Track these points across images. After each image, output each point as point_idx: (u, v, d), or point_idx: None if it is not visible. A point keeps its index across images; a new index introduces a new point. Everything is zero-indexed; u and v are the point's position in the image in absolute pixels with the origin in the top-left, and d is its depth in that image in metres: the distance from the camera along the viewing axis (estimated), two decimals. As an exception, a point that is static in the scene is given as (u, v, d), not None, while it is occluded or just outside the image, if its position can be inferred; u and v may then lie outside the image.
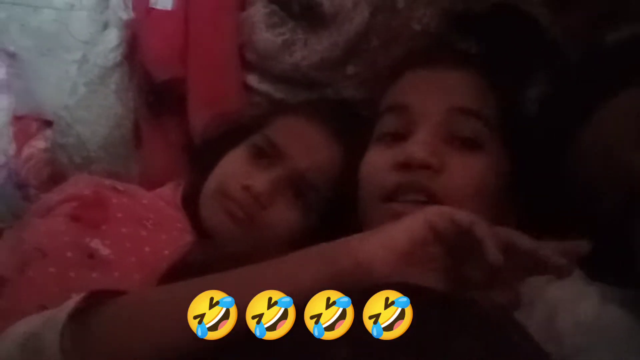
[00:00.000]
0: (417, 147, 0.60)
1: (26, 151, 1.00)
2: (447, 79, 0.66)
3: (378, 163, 0.64)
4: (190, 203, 0.75)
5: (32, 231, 0.70)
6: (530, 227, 0.61)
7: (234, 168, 0.74)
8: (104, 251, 0.67)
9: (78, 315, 0.47)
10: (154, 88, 0.89)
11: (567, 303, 0.49)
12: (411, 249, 0.45)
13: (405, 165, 0.60)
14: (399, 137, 0.64)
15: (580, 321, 0.47)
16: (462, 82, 0.66)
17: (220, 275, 0.47)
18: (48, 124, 1.01)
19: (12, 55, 1.01)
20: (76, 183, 0.77)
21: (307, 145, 0.73)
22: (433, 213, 0.46)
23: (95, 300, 0.49)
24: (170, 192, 0.78)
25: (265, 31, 0.84)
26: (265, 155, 0.73)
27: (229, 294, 0.44)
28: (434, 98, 0.64)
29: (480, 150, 0.63)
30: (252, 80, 0.88)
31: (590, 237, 0.56)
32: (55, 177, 0.94)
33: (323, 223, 0.73)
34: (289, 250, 0.69)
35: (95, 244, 0.67)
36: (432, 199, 0.59)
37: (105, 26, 0.96)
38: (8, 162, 0.99)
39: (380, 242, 0.46)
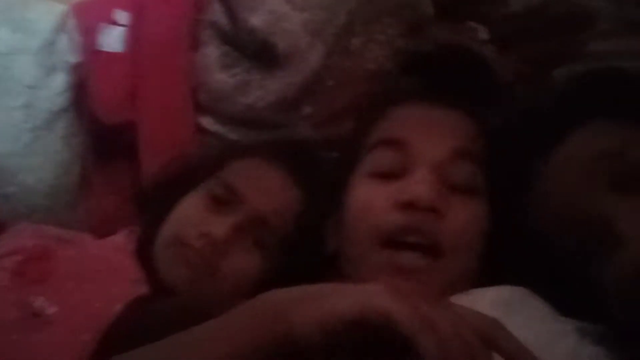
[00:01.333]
0: (424, 187, 0.58)
1: (-36, 202, 0.95)
2: (445, 118, 0.65)
3: (375, 200, 0.61)
4: (144, 252, 0.71)
5: None
6: (494, 270, 0.61)
7: (190, 215, 0.71)
8: (50, 310, 0.62)
9: None
10: (103, 132, 0.86)
11: (543, 340, 0.48)
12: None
13: (409, 206, 0.58)
14: (394, 173, 0.62)
15: (558, 358, 0.46)
16: (459, 123, 0.65)
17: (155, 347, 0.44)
18: (-10, 172, 0.97)
19: (-50, 102, 0.97)
20: (18, 234, 0.73)
21: (266, 188, 0.71)
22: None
23: None
24: (122, 240, 0.75)
25: (220, 72, 0.83)
26: (223, 200, 0.71)
27: None
28: (435, 137, 0.63)
29: (477, 195, 0.62)
30: (206, 122, 0.86)
31: (553, 278, 0.56)
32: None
33: (283, 269, 0.70)
34: (248, 298, 0.67)
35: (40, 302, 0.63)
36: (434, 250, 0.58)
37: (52, 70, 0.93)
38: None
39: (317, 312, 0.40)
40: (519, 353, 0.39)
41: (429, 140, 0.63)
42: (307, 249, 0.69)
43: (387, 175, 0.62)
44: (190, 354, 0.42)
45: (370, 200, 0.62)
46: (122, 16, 0.86)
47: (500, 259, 0.61)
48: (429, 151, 0.62)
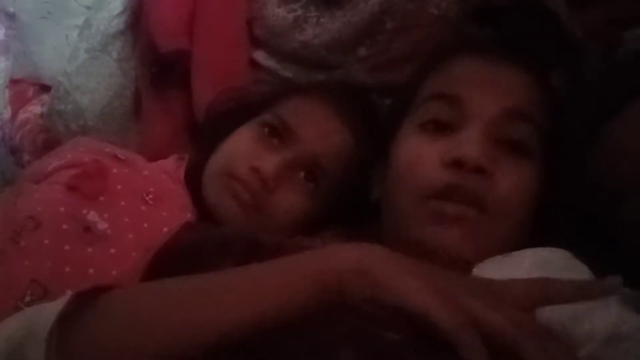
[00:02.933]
0: (473, 147, 0.57)
1: (21, 116, 0.98)
2: (504, 76, 0.63)
3: (423, 155, 0.60)
4: (193, 180, 0.72)
5: (26, 198, 0.66)
6: (551, 234, 0.60)
7: (242, 147, 0.71)
8: (101, 225, 0.64)
9: (64, 322, 0.44)
10: (158, 59, 0.86)
11: (583, 311, 0.47)
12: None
13: (457, 164, 0.57)
14: (445, 128, 0.61)
15: (598, 329, 0.46)
16: (518, 82, 0.63)
17: (204, 281, 0.46)
18: (45, 89, 0.99)
19: (11, 17, 0.98)
20: (75, 147, 0.74)
21: (320, 129, 0.70)
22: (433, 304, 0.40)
23: (81, 301, 0.46)
24: (173, 165, 0.75)
25: (277, 7, 0.82)
26: (276, 135, 0.70)
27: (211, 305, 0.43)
28: (491, 95, 0.61)
29: (529, 157, 0.60)
30: (259, 56, 0.85)
31: (610, 243, 0.55)
32: (51, 144, 0.92)
33: (329, 211, 0.70)
34: (290, 236, 0.68)
35: (93, 216, 0.64)
36: (479, 205, 0.57)
37: (110, -8, 0.93)
38: (2, 126, 0.97)
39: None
40: (579, 291, 0.41)
41: (483, 97, 0.61)
42: (353, 193, 0.69)
43: (438, 130, 0.61)
44: (237, 301, 0.43)
45: (419, 154, 0.61)
46: (184, -57, 0.84)
47: (549, 222, 0.60)
48: (482, 108, 0.60)
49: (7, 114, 0.98)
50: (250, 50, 0.85)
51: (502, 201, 0.57)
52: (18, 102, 0.99)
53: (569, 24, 0.76)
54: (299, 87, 0.79)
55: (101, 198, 0.66)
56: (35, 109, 0.98)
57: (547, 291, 0.42)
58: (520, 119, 0.61)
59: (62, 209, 0.64)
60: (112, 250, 0.63)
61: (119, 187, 0.68)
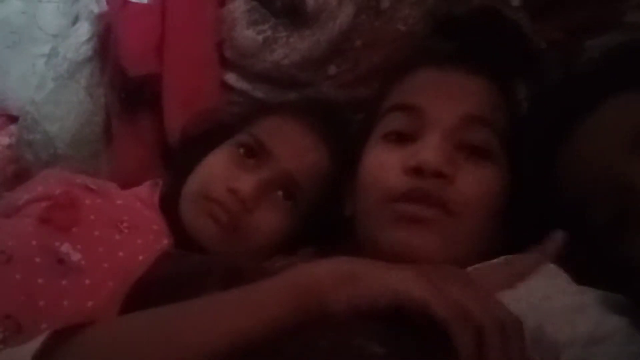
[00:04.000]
0: (431, 153, 0.58)
1: (-11, 148, 0.96)
2: (462, 84, 0.64)
3: (386, 164, 0.61)
4: (169, 205, 0.71)
5: None
6: (518, 241, 0.61)
7: (218, 169, 0.70)
8: (75, 256, 0.62)
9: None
10: (127, 84, 0.86)
11: (564, 314, 0.48)
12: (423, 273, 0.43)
13: (417, 171, 0.58)
14: (407, 137, 0.62)
15: (579, 332, 0.46)
16: (477, 89, 0.64)
17: (185, 306, 0.45)
18: (13, 119, 0.97)
19: (-25, 48, 0.97)
20: (46, 180, 0.73)
21: (296, 147, 0.71)
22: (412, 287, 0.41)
23: (56, 341, 0.45)
24: (146, 192, 0.75)
25: (246, 28, 0.82)
26: (252, 155, 0.70)
27: (195, 326, 0.43)
28: (449, 103, 0.62)
29: (490, 160, 0.61)
30: (230, 78, 0.86)
31: (578, 247, 0.56)
32: (21, 174, 0.91)
33: (307, 228, 0.70)
34: (269, 256, 0.67)
35: (66, 248, 0.63)
36: (442, 207, 0.58)
37: (76, 19, 0.93)
38: (-30, 158, 0.95)
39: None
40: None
41: (441, 105, 0.62)
42: (330, 209, 0.69)
43: (400, 139, 0.63)
44: (221, 319, 0.43)
45: (382, 163, 0.62)
46: (149, -33, 0.85)
47: (523, 226, 0.61)
48: (441, 116, 0.62)
49: (-26, 145, 0.96)
50: (221, 72, 0.86)
51: (465, 203, 0.59)
52: (-15, 133, 0.97)
53: (530, 34, 0.78)
54: (273, 107, 0.79)
55: (74, 229, 0.65)
56: (3, 140, 0.97)
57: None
58: (478, 124, 0.62)
59: (34, 242, 0.63)
60: (87, 281, 0.61)
61: (92, 217, 0.67)
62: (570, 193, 0.58)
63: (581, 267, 0.55)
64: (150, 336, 0.44)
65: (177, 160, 0.78)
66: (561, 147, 0.59)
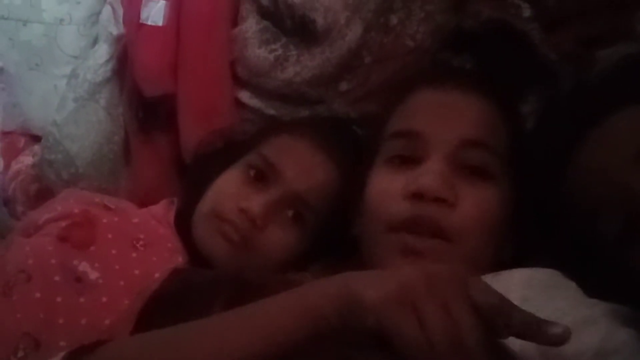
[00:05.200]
0: (431, 178, 0.59)
1: (14, 167, 0.99)
2: (460, 105, 0.65)
3: (388, 189, 0.62)
4: (183, 223, 0.73)
5: (16, 251, 0.67)
6: (526, 254, 0.61)
7: (229, 189, 0.72)
8: (93, 275, 0.64)
9: None
10: (144, 103, 0.87)
11: (572, 326, 0.48)
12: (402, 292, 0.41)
13: (418, 196, 0.59)
14: (409, 160, 0.63)
15: (588, 346, 0.46)
16: (475, 110, 0.65)
17: (198, 325, 0.46)
18: (36, 139, 1.00)
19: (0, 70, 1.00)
20: (66, 199, 0.75)
21: (305, 166, 0.71)
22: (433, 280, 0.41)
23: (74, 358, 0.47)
24: (162, 210, 0.76)
25: (258, 47, 0.84)
26: (262, 176, 0.71)
27: (209, 344, 0.43)
28: (447, 126, 0.63)
29: (491, 180, 0.62)
30: (244, 96, 0.87)
31: (587, 260, 0.56)
32: (43, 193, 0.93)
33: (317, 246, 0.71)
34: (281, 272, 0.68)
35: (83, 267, 0.65)
36: (443, 235, 0.58)
37: (95, 41, 0.95)
38: (-5, 178, 0.98)
39: (368, 281, 0.43)
40: (526, 327, 0.40)
41: (441, 129, 0.63)
42: (339, 228, 0.70)
43: (403, 164, 0.63)
44: (233, 338, 0.44)
45: (384, 188, 0.63)
46: (164, -11, 0.87)
47: (528, 243, 0.61)
48: (441, 139, 0.62)
49: (0, 166, 0.99)
50: (234, 90, 0.87)
51: (465, 228, 0.59)
52: (10, 154, 1.00)
53: (542, 46, 0.78)
54: (283, 125, 0.80)
55: (92, 248, 0.67)
56: (26, 159, 0.99)
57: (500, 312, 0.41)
58: (478, 147, 0.63)
59: (53, 260, 0.65)
60: (104, 299, 0.63)
61: (109, 235, 0.69)
62: (579, 205, 0.57)
63: (590, 279, 0.55)
64: (162, 356, 0.45)
65: (191, 179, 0.79)
66: (569, 159, 0.59)
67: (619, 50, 0.75)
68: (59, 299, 0.62)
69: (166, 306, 0.58)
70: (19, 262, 0.64)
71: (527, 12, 0.82)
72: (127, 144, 0.90)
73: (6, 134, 1.01)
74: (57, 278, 0.63)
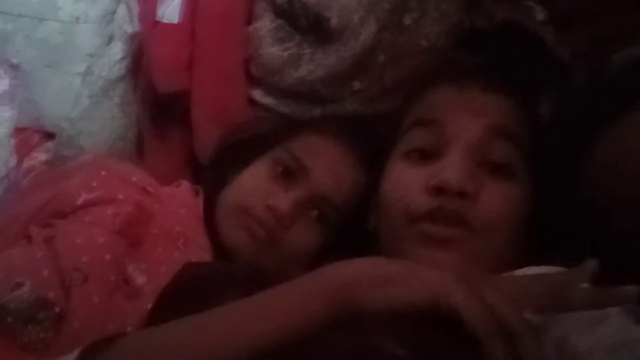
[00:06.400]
0: (454, 172, 0.58)
1: (27, 163, 0.99)
2: (483, 99, 0.64)
3: (408, 183, 0.61)
4: (209, 216, 0.72)
5: (66, 242, 0.62)
6: (543, 251, 0.60)
7: (256, 184, 0.71)
8: (140, 279, 0.62)
9: None
10: (158, 100, 0.88)
11: (586, 323, 0.48)
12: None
13: (440, 190, 0.58)
14: (429, 154, 0.62)
15: (602, 342, 0.46)
16: (498, 104, 0.64)
17: (208, 315, 0.46)
18: (50, 136, 1.00)
19: (15, 67, 1.01)
20: (96, 171, 0.71)
21: (334, 169, 0.71)
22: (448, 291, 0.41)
23: (92, 350, 0.47)
24: (189, 195, 0.74)
25: (272, 45, 0.84)
26: (289, 173, 0.71)
27: (221, 332, 0.43)
28: (470, 117, 0.62)
29: (512, 176, 0.61)
30: (257, 94, 0.87)
31: (606, 258, 0.56)
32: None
33: (341, 244, 0.71)
34: (303, 271, 0.68)
35: (132, 269, 0.62)
36: (465, 226, 0.58)
37: (111, 39, 0.96)
38: (8, 174, 0.98)
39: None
40: (593, 298, 0.42)
41: (463, 118, 0.62)
42: (358, 224, 0.70)
43: (421, 157, 0.62)
44: (259, 319, 0.44)
45: (403, 181, 0.62)
46: (179, -13, 0.87)
47: (547, 236, 0.60)
48: (463, 131, 0.61)
49: (12, 161, 0.99)
50: (248, 88, 0.87)
51: (488, 221, 0.58)
52: (23, 150, 1.01)
53: (555, 46, 0.78)
54: (311, 124, 0.79)
55: (141, 246, 0.64)
56: (40, 156, 1.00)
57: (560, 295, 0.42)
58: (501, 137, 0.62)
59: (107, 256, 0.61)
60: (149, 306, 0.60)
61: (155, 231, 0.67)
62: (594, 202, 0.57)
63: (605, 276, 0.54)
64: (178, 346, 0.45)
65: (211, 172, 0.78)
66: (586, 156, 0.59)
67: (635, 51, 0.75)
68: (112, 304, 0.59)
69: (180, 299, 0.58)
70: (72, 258, 0.60)
71: (540, 14, 0.82)
72: (141, 140, 0.91)
73: (20, 130, 1.02)
74: (112, 278, 0.60)
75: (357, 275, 0.43)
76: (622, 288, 0.42)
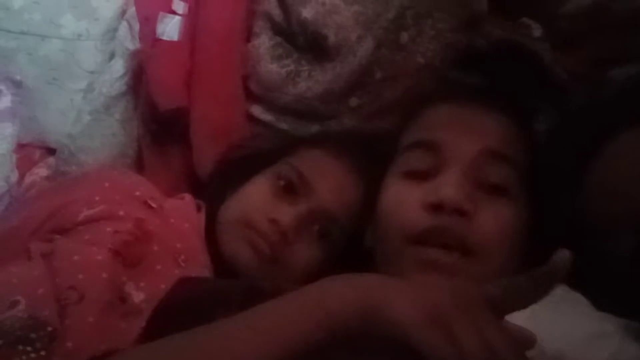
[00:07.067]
0: (452, 190, 0.58)
1: (28, 179, 1.00)
2: (480, 119, 0.65)
3: (406, 201, 0.61)
4: (210, 232, 0.72)
5: (63, 260, 0.61)
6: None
7: (258, 198, 0.71)
8: (137, 297, 0.60)
9: None
10: (158, 117, 0.89)
11: (584, 340, 0.48)
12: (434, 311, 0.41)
13: (437, 207, 0.58)
14: (426, 174, 0.62)
15: (599, 358, 0.46)
16: (495, 124, 0.65)
17: (206, 329, 0.46)
18: (51, 152, 1.01)
19: (17, 84, 1.02)
20: (100, 183, 0.71)
21: (338, 185, 0.71)
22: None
23: None
24: (191, 209, 0.74)
25: (270, 63, 0.85)
26: (292, 187, 0.71)
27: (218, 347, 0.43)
28: (467, 137, 0.63)
29: (508, 197, 0.61)
30: (256, 110, 0.88)
31: (601, 276, 0.56)
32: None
33: (341, 260, 0.71)
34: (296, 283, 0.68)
35: (129, 287, 0.61)
36: (462, 248, 0.58)
37: (112, 56, 0.97)
38: (10, 189, 0.99)
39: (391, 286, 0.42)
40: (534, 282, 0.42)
41: (460, 140, 0.63)
42: (357, 242, 0.69)
43: (418, 176, 0.63)
44: (250, 339, 0.43)
45: (401, 200, 0.62)
46: (179, 6, 0.88)
47: (542, 254, 0.60)
48: (460, 151, 0.62)
49: (14, 177, 1.00)
50: (246, 105, 0.88)
51: (484, 242, 0.58)
52: (25, 165, 1.01)
53: (553, 66, 0.79)
54: (314, 139, 0.79)
55: (140, 264, 0.63)
56: (41, 171, 1.00)
57: (506, 295, 0.41)
58: (497, 159, 0.62)
59: (104, 275, 0.59)
60: (144, 325, 0.59)
61: (155, 248, 0.65)
62: (592, 221, 0.57)
63: (603, 295, 0.55)
64: (173, 358, 0.45)
65: (212, 187, 0.78)
66: (582, 177, 0.59)
67: (631, 70, 0.75)
68: (107, 322, 0.57)
69: (174, 315, 0.57)
70: (69, 276, 0.59)
71: (537, 32, 0.83)
72: (141, 157, 0.92)
73: (22, 146, 1.03)
74: (107, 297, 0.59)
75: (346, 300, 0.42)
76: (551, 259, 0.41)
